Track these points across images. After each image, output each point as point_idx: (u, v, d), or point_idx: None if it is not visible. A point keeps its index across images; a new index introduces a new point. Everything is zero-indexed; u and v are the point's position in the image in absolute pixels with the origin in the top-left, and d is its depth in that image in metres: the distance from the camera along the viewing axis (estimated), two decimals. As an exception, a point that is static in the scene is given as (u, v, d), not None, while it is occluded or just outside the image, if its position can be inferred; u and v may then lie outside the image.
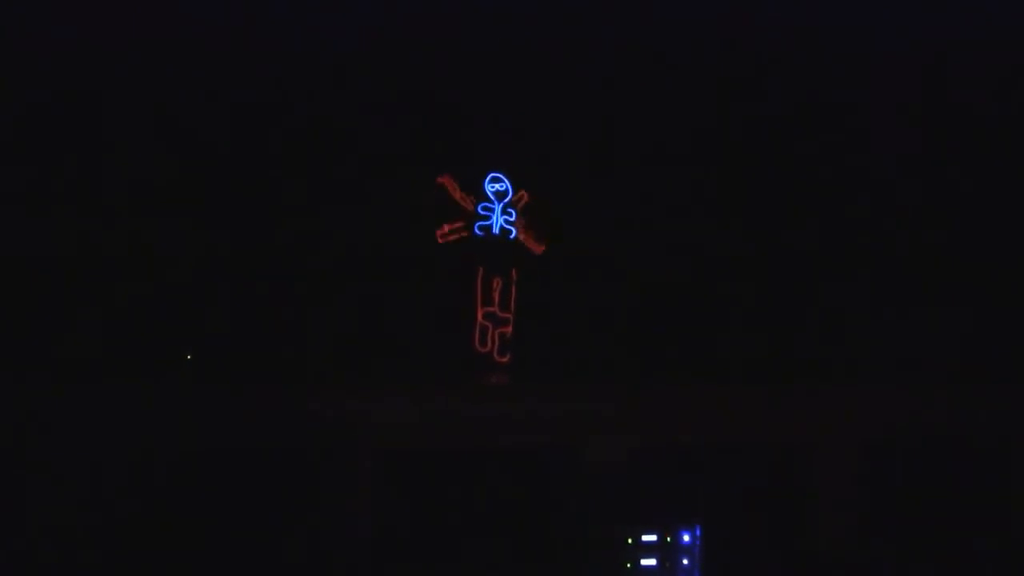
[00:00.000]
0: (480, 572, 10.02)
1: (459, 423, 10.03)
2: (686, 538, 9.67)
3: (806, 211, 11.88)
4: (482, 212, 10.89)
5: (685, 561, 9.65)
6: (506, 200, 10.95)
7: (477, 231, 10.89)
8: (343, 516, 9.93)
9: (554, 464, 10.19)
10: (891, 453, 10.66)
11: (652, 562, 9.63)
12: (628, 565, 9.61)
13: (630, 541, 9.63)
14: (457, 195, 10.89)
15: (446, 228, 10.79)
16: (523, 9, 11.59)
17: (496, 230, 10.95)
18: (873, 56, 11.92)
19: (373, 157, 11.38)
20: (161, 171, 11.11)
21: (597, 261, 11.59)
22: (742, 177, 11.83)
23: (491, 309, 10.95)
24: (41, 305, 10.80)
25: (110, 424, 9.71)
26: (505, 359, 10.95)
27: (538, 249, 11.04)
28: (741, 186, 11.83)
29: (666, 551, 9.65)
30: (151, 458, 9.80)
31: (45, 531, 9.51)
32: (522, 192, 11.00)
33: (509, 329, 10.96)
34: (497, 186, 10.94)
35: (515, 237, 11.00)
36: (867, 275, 11.83)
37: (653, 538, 9.66)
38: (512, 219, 10.95)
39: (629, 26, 11.56)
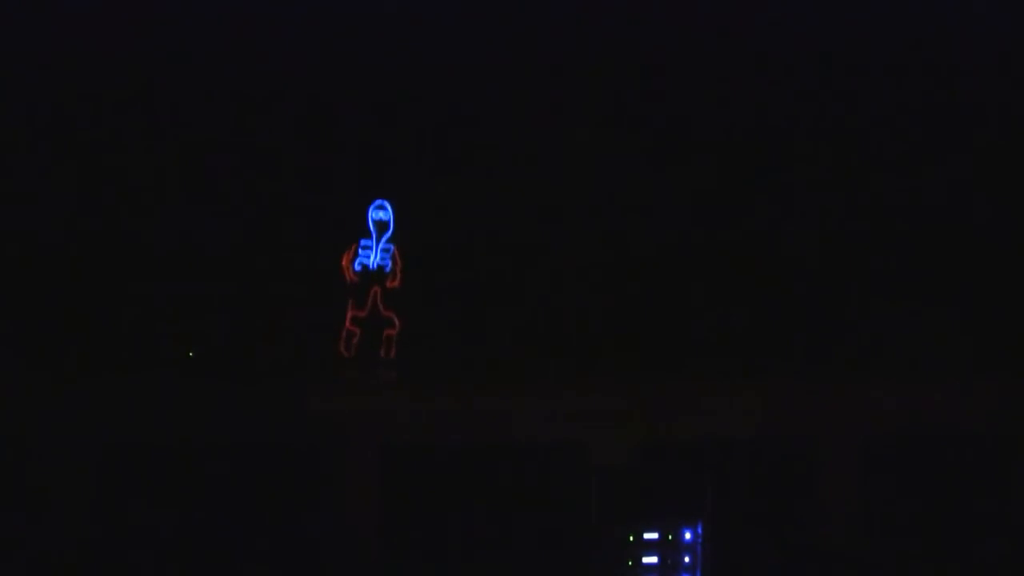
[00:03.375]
0: (481, 569, 10.01)
1: (458, 421, 10.03)
2: (688, 535, 9.65)
3: (808, 209, 11.87)
4: (361, 251, 10.90)
5: (687, 558, 9.63)
6: (387, 234, 10.94)
7: (356, 267, 10.91)
8: (346, 513, 9.92)
9: (556, 462, 10.18)
10: (893, 451, 10.63)
11: (654, 559, 9.61)
12: (630, 563, 9.59)
13: (632, 538, 9.61)
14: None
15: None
16: (523, 10, 11.60)
17: (373, 266, 10.95)
18: (873, 55, 11.93)
19: (375, 156, 11.41)
20: (162, 170, 11.14)
21: (599, 259, 11.60)
22: (745, 175, 11.83)
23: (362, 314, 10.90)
24: (43, 303, 10.82)
25: (113, 422, 9.71)
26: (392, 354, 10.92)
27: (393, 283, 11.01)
28: (744, 184, 11.83)
29: (667, 548, 9.63)
30: (156, 455, 9.80)
31: (45, 528, 9.51)
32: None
33: (394, 330, 10.91)
34: (380, 214, 10.93)
35: (390, 270, 10.98)
36: (868, 272, 11.82)
37: (655, 535, 9.63)
38: (391, 251, 10.93)
39: (629, 26, 11.57)
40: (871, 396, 10.61)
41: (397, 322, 10.83)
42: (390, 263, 10.87)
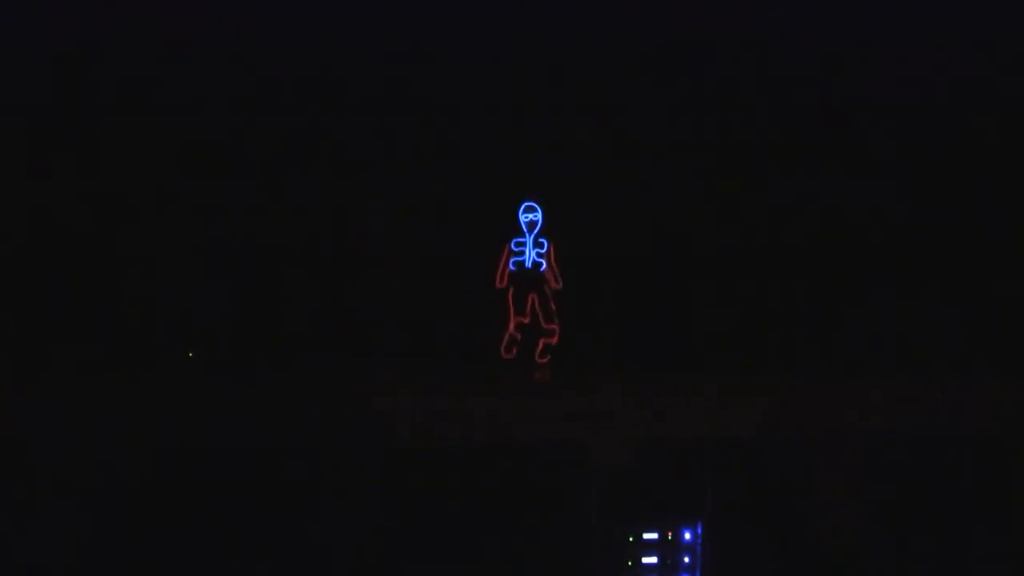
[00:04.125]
0: (481, 569, 10.00)
1: (457, 421, 10.02)
2: (687, 535, 9.64)
3: (808, 208, 11.88)
4: (515, 248, 11.02)
5: (686, 559, 9.62)
6: (536, 231, 11.04)
7: (512, 267, 11.03)
8: (346, 513, 9.92)
9: (556, 462, 10.17)
10: (893, 451, 10.62)
11: (653, 560, 9.60)
12: (629, 563, 9.59)
13: (631, 539, 9.60)
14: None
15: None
16: (523, 11, 11.60)
17: (528, 264, 11.06)
18: (874, 55, 11.92)
19: (384, 155, 11.42)
20: (162, 168, 11.15)
21: (599, 259, 11.59)
22: (745, 175, 11.83)
23: (524, 320, 11.06)
24: (43, 302, 10.82)
25: (113, 422, 9.70)
26: (545, 360, 11.09)
27: (556, 285, 11.12)
28: (744, 184, 11.82)
29: (667, 548, 9.62)
30: (154, 456, 9.79)
31: (44, 528, 9.51)
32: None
33: (554, 340, 11.08)
34: (531, 216, 11.04)
35: (544, 269, 11.08)
36: (868, 271, 11.82)
37: (654, 536, 9.63)
38: (544, 251, 11.05)
39: (628, 25, 11.58)
40: (871, 396, 10.59)
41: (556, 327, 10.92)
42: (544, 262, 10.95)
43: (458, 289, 11.42)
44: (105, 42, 11.02)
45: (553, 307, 11.10)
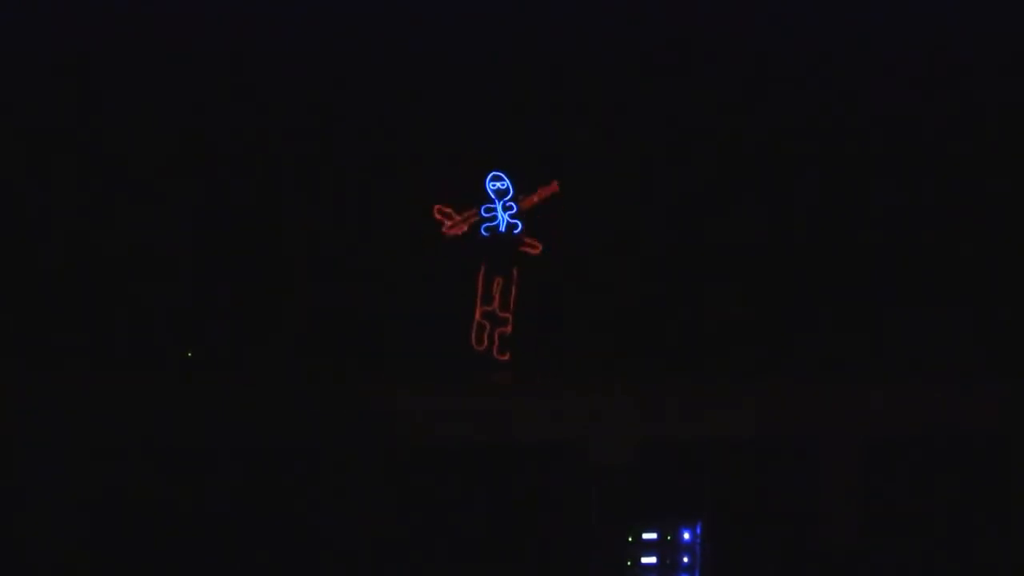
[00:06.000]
0: (480, 569, 10.00)
1: (457, 421, 10.02)
2: (687, 536, 9.65)
3: (809, 208, 11.87)
4: (485, 214, 10.96)
5: (686, 559, 9.63)
6: (507, 198, 10.97)
7: (484, 232, 10.96)
8: (345, 514, 9.92)
9: (553, 462, 10.17)
10: (893, 451, 10.62)
11: (652, 560, 9.61)
12: (628, 563, 9.59)
13: (630, 539, 9.61)
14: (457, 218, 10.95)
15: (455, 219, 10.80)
16: (523, 11, 11.60)
17: (503, 227, 11.01)
18: (876, 55, 11.92)
19: (374, 152, 11.43)
20: (162, 167, 11.16)
21: (599, 259, 11.60)
22: (744, 174, 11.82)
23: (490, 308, 11.00)
24: (43, 302, 10.84)
25: (113, 422, 9.71)
26: (505, 357, 11.02)
27: (535, 249, 11.07)
28: (743, 183, 11.82)
29: (666, 549, 9.63)
30: (154, 456, 9.80)
31: (43, 528, 9.52)
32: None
33: (508, 329, 11.02)
34: (498, 184, 10.99)
35: (521, 231, 11.04)
36: (869, 272, 11.82)
37: (654, 536, 9.63)
38: (515, 211, 11.00)
39: (628, 22, 11.57)
40: (871, 396, 10.59)
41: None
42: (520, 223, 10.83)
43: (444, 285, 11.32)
44: (104, 41, 11.01)
45: (514, 292, 11.00)
